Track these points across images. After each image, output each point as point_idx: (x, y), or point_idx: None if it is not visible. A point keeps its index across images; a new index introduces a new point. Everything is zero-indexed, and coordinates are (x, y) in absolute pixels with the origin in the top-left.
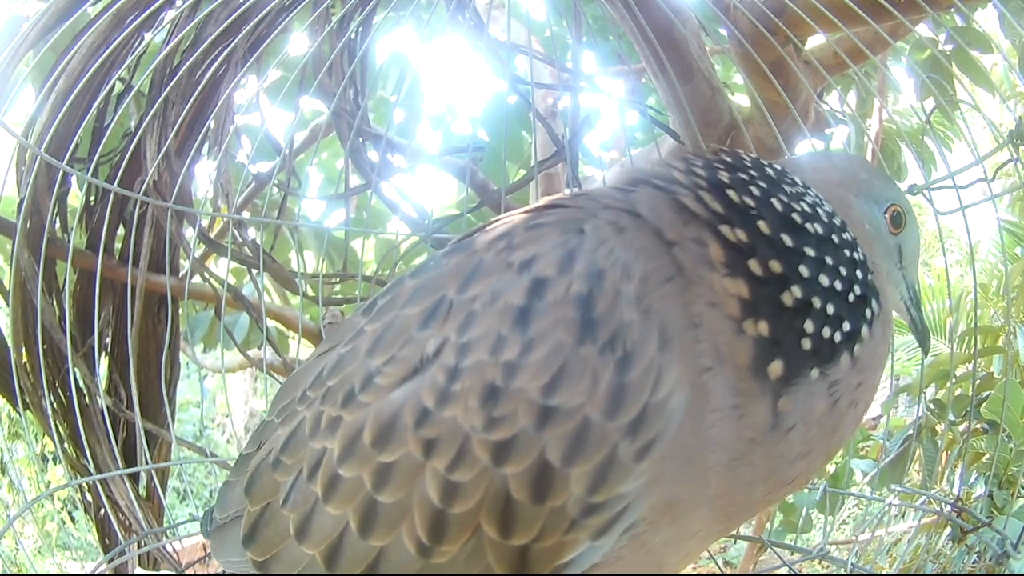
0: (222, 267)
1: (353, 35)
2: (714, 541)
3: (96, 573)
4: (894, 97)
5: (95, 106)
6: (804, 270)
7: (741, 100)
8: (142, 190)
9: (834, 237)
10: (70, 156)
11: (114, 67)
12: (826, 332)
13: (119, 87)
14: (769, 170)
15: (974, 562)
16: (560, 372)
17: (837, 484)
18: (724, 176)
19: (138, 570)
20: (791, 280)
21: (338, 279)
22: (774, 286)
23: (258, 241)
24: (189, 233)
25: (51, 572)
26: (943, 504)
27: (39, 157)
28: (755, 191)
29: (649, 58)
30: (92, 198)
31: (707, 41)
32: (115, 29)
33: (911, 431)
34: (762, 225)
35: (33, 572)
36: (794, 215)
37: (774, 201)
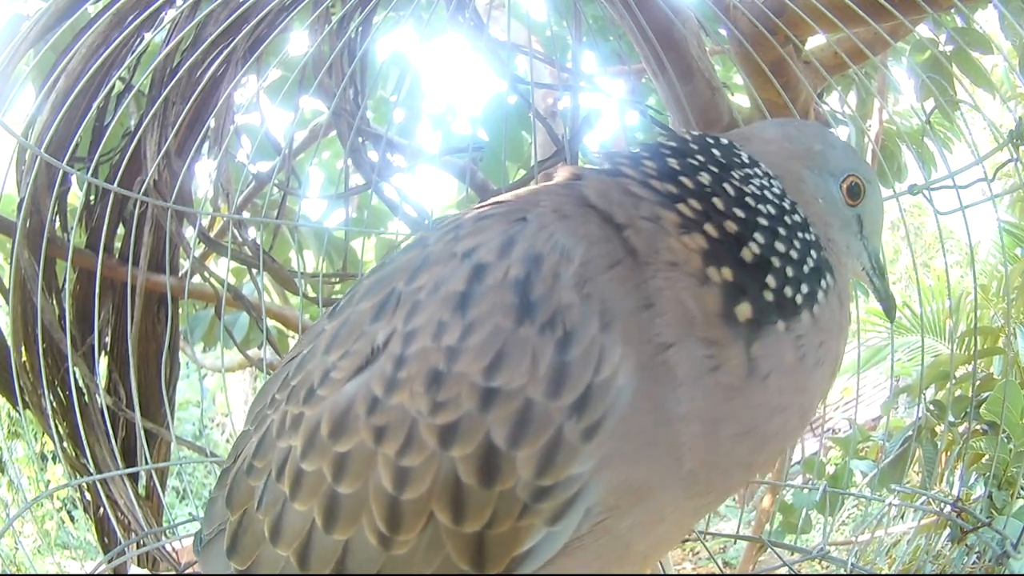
0: (222, 267)
1: (353, 35)
2: (696, 522)
3: (96, 573)
4: (894, 98)
5: (95, 106)
6: (759, 236)
7: (741, 100)
8: (142, 190)
9: (786, 219)
10: (70, 156)
11: (114, 67)
12: (788, 291)
13: (119, 87)
14: (716, 151)
15: (974, 562)
16: (500, 354)
17: (837, 484)
18: (675, 163)
19: (137, 569)
20: (747, 240)
21: (338, 279)
22: (732, 244)
23: (258, 241)
24: (189, 233)
25: (50, 572)
26: (943, 504)
27: (39, 157)
28: (706, 176)
29: (649, 58)
30: (92, 197)
31: (707, 41)
32: (115, 29)
33: (911, 432)
34: (717, 201)
35: (32, 571)
36: (747, 199)
37: (726, 186)
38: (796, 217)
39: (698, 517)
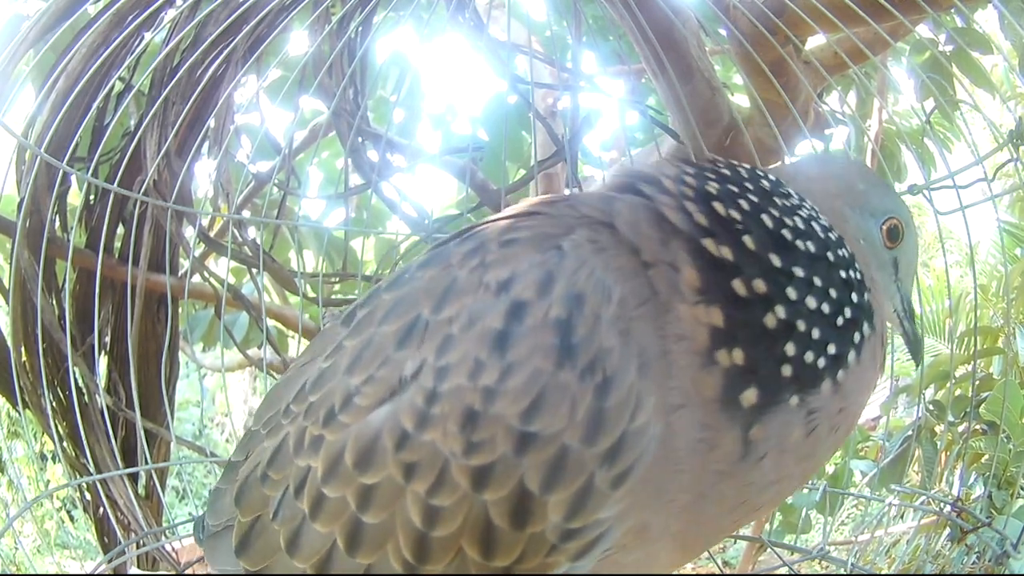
0: (222, 266)
1: (353, 35)
2: (677, 568)
3: (96, 573)
4: (894, 98)
5: (95, 106)
6: (792, 291)
7: (741, 100)
8: (142, 190)
9: (829, 255)
10: (70, 156)
11: (114, 67)
12: (809, 357)
13: (119, 87)
14: (765, 182)
15: (974, 562)
16: (539, 398)
17: (837, 484)
18: (713, 187)
19: (137, 570)
20: (776, 300)
21: (338, 279)
22: (757, 308)
23: (258, 241)
24: (189, 232)
25: (50, 572)
26: (943, 504)
27: (39, 157)
28: (744, 205)
29: (649, 58)
30: (92, 197)
31: (707, 41)
32: (115, 29)
33: (910, 432)
34: (748, 240)
35: (32, 571)
36: (784, 231)
37: (764, 216)
38: (843, 252)
39: (681, 564)
